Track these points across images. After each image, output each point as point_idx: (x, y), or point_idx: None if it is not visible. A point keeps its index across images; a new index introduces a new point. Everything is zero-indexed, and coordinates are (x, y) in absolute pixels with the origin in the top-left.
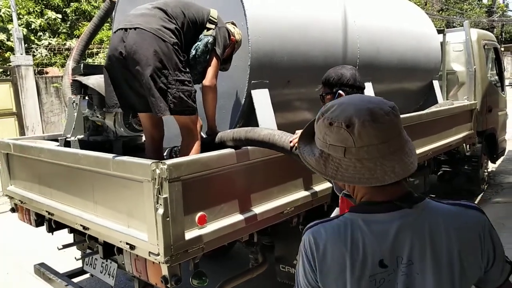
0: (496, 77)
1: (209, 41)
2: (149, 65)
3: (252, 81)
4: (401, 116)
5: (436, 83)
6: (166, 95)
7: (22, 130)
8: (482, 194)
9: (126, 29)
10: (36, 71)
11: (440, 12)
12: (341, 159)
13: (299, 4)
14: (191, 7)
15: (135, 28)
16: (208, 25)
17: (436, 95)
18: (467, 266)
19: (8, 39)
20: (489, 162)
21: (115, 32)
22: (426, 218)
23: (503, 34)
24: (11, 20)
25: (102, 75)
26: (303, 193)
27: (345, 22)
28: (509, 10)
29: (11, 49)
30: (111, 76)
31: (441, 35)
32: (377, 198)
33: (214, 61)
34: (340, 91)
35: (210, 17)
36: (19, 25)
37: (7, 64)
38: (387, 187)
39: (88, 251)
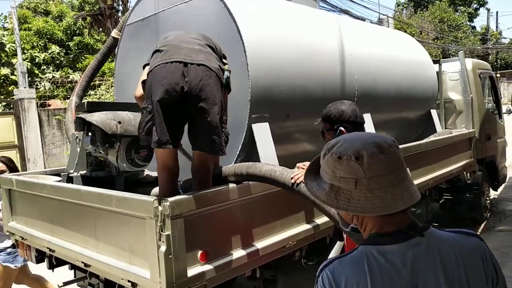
0: (494, 105)
1: (228, 76)
2: (215, 104)
3: (253, 115)
4: (401, 146)
5: (434, 112)
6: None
7: (23, 162)
8: (485, 222)
9: (185, 64)
10: (38, 104)
11: (436, 40)
12: (352, 191)
13: (297, 39)
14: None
15: (198, 64)
16: (224, 60)
17: (434, 124)
18: None
19: (12, 73)
20: (491, 189)
21: (166, 63)
22: (436, 245)
23: (498, 60)
24: (16, 55)
25: (105, 112)
26: (305, 227)
27: (342, 54)
28: (503, 38)
29: (15, 83)
30: (167, 111)
31: (437, 65)
32: (387, 229)
33: (226, 97)
34: (342, 128)
35: (223, 52)
36: (23, 59)
37: (11, 98)
38: (395, 217)
39: (89, 287)
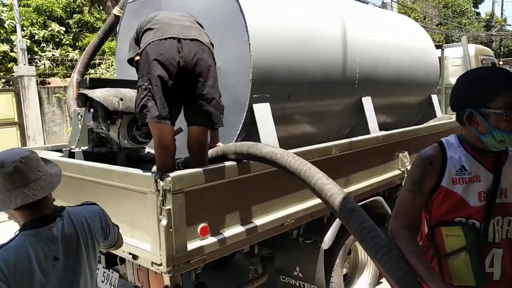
0: None
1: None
2: (210, 77)
3: (254, 95)
4: (400, 129)
5: (434, 97)
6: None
7: (23, 139)
8: None
9: (179, 39)
10: (38, 82)
11: (439, 26)
12: None
13: (299, 21)
14: None
15: (191, 40)
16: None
17: (435, 109)
18: (97, 237)
19: (12, 50)
20: None
21: (160, 40)
22: (70, 217)
23: (502, 48)
24: (15, 31)
25: (107, 89)
26: (303, 205)
27: (345, 37)
28: (508, 25)
29: (14, 60)
30: (167, 86)
31: (439, 50)
32: (34, 217)
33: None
34: None
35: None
36: (22, 37)
37: (10, 74)
38: (38, 208)
39: None
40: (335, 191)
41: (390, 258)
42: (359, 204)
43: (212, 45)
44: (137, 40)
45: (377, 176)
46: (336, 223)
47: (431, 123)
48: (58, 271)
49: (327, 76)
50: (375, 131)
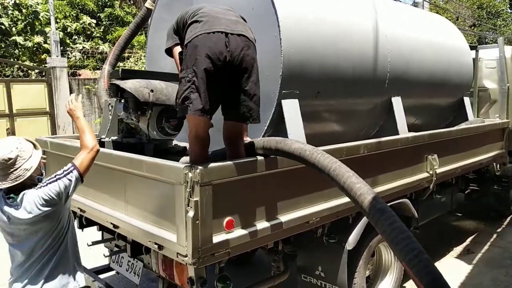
0: None
1: None
2: (254, 73)
3: (283, 91)
4: (431, 132)
5: (467, 100)
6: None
7: (54, 129)
8: (511, 216)
9: (226, 34)
10: (69, 73)
11: (472, 27)
12: None
13: (331, 17)
14: None
15: (238, 35)
16: None
17: (466, 112)
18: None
19: (45, 42)
20: None
21: (208, 33)
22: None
23: None
24: (49, 24)
25: (139, 80)
26: (329, 204)
27: (377, 35)
28: None
29: (47, 51)
30: (211, 79)
31: (474, 51)
32: None
33: None
34: None
35: None
36: (56, 29)
37: (43, 65)
38: None
39: (116, 249)
40: (364, 191)
41: (420, 261)
42: None
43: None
44: (177, 31)
45: (404, 178)
46: (361, 223)
47: (463, 126)
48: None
49: (357, 74)
50: (404, 132)
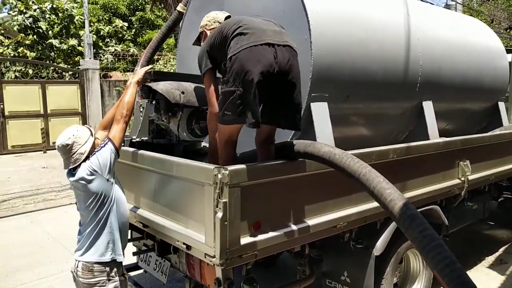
0: None
1: None
2: (299, 83)
3: (312, 94)
4: (463, 137)
5: (501, 105)
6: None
7: None
8: None
9: (273, 45)
10: (101, 75)
11: (508, 30)
12: None
13: (363, 19)
14: None
15: (284, 45)
16: None
17: (501, 118)
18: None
19: (79, 44)
20: None
21: (256, 46)
22: None
23: None
24: (83, 27)
25: (170, 82)
26: (357, 209)
27: (408, 38)
28: None
29: (81, 54)
30: (262, 91)
31: (510, 54)
32: None
33: None
34: None
35: None
36: (89, 32)
37: (77, 67)
38: None
39: (144, 248)
40: (395, 196)
41: (452, 270)
42: None
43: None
44: (211, 50)
45: (435, 184)
46: (390, 229)
47: (497, 132)
48: None
49: (388, 78)
50: (435, 137)
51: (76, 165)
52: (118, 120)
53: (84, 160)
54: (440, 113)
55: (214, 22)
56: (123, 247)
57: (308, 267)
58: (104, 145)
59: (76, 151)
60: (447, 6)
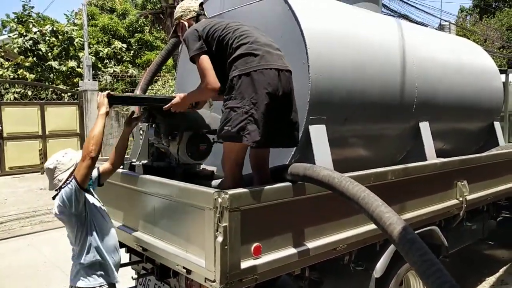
0: None
1: None
2: (295, 103)
3: (310, 117)
4: (461, 157)
5: (497, 125)
6: None
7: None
8: None
9: (278, 70)
10: None
11: (501, 50)
12: None
13: (359, 43)
14: None
15: (286, 71)
16: None
17: (497, 137)
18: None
19: (78, 66)
20: None
21: (266, 69)
22: None
23: None
24: (82, 49)
25: None
26: (356, 231)
27: (404, 61)
28: None
29: (80, 75)
30: (269, 114)
31: (504, 74)
32: None
33: None
34: None
35: None
36: (89, 54)
37: (75, 89)
38: None
39: (143, 271)
40: (394, 220)
41: None
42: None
43: None
44: (206, 40)
45: (433, 205)
46: (389, 251)
47: (493, 151)
48: None
49: (384, 100)
50: (432, 157)
51: (55, 189)
52: (84, 156)
53: (61, 188)
54: (437, 133)
55: (189, 12)
56: (116, 270)
57: None
58: (69, 182)
59: (56, 177)
60: (441, 27)
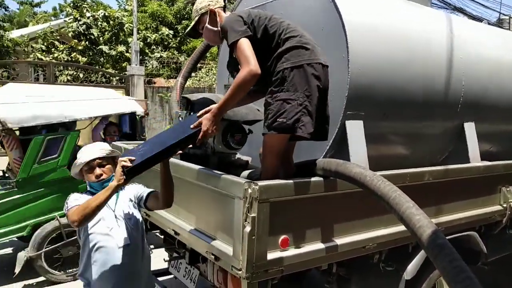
0: None
1: None
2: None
3: (348, 112)
4: (507, 162)
5: None
6: None
7: None
8: None
9: (323, 65)
10: (145, 81)
11: None
12: None
13: (403, 38)
14: None
15: (327, 66)
16: None
17: None
18: None
19: (127, 51)
20: None
21: (317, 63)
22: None
23: None
24: (131, 34)
25: (208, 94)
26: (388, 231)
27: (451, 57)
28: None
29: (128, 60)
30: (318, 106)
31: None
32: None
33: None
34: None
35: None
36: (137, 39)
37: (123, 73)
38: None
39: (175, 255)
40: (424, 223)
41: None
42: (450, 237)
43: None
44: (250, 26)
45: (474, 210)
46: (422, 253)
47: None
48: None
49: (427, 98)
50: (476, 160)
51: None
52: (69, 217)
53: None
54: (483, 135)
55: (217, 1)
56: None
57: (336, 286)
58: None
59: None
60: (500, 21)
